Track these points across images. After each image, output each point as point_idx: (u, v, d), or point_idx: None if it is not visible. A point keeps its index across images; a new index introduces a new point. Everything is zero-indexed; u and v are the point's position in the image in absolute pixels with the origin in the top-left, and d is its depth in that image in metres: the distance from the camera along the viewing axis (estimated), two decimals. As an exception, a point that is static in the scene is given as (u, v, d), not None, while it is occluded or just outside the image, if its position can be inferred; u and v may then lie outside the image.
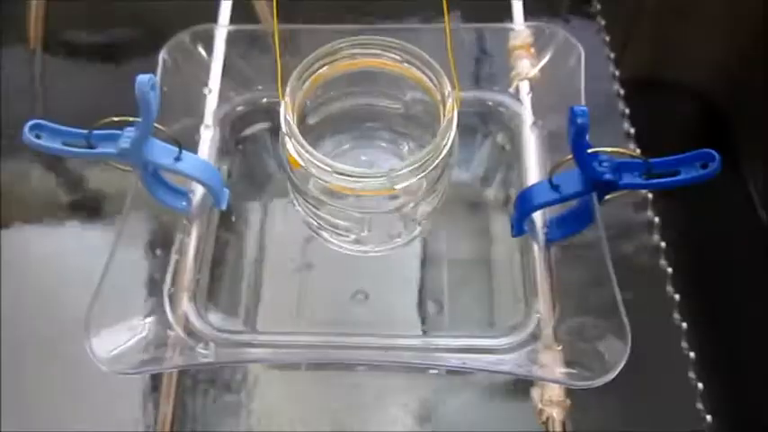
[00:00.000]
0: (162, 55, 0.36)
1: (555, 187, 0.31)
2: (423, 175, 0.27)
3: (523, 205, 0.32)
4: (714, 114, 0.60)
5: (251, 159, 0.41)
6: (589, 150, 0.29)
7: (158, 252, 0.34)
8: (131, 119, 0.30)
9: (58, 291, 0.38)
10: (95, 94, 0.46)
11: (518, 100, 0.39)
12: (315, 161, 0.27)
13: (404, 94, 0.32)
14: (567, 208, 0.33)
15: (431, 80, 0.29)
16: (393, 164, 0.31)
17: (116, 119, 0.30)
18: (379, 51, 0.29)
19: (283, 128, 0.28)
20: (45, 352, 0.36)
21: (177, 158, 0.31)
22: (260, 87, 0.40)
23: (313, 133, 0.32)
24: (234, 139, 0.40)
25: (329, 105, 0.32)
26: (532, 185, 0.32)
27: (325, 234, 0.33)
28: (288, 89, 0.28)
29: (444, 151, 0.27)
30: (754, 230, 0.53)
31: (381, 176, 0.26)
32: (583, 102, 0.33)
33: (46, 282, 0.39)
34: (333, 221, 0.31)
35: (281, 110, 0.28)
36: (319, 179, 0.28)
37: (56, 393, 0.35)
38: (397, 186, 0.27)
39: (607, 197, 0.30)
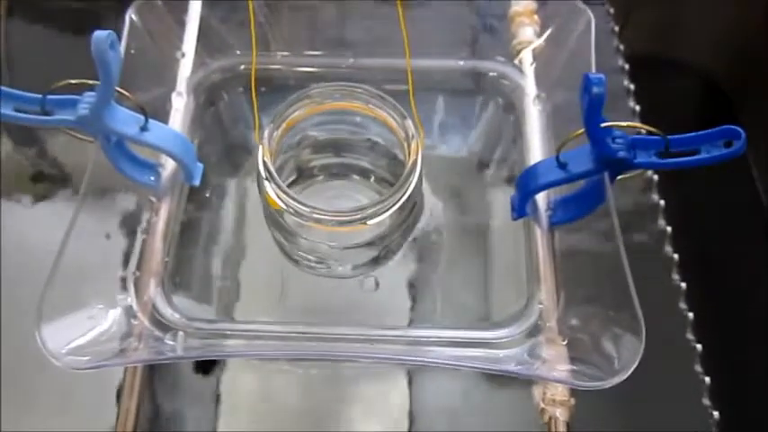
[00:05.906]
0: (129, 14, 0.34)
1: (562, 165, 0.29)
2: (393, 211, 0.29)
3: (527, 185, 0.31)
4: (717, 93, 0.59)
5: (228, 130, 0.40)
6: (602, 125, 0.26)
7: (122, 232, 0.32)
8: (91, 82, 0.28)
9: (23, 271, 0.35)
10: (65, 62, 0.43)
11: (521, 71, 0.38)
12: (293, 202, 0.29)
13: (370, 131, 0.34)
14: (573, 189, 0.31)
15: (395, 120, 0.31)
16: (362, 195, 0.35)
17: (73, 81, 0.28)
18: (348, 95, 0.32)
19: (262, 172, 0.29)
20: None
21: (143, 128, 0.30)
22: (238, 52, 0.38)
23: (286, 168, 0.35)
24: (209, 108, 0.39)
25: (301, 140, 0.34)
26: (538, 163, 0.31)
27: (300, 262, 0.34)
28: (265, 134, 0.30)
29: (410, 190, 0.29)
30: (756, 215, 0.51)
31: (354, 215, 0.29)
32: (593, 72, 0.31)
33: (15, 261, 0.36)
34: (308, 252, 0.33)
35: (259, 153, 0.29)
36: (296, 218, 0.29)
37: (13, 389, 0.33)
38: (369, 222, 0.29)
39: (619, 177, 0.28)
